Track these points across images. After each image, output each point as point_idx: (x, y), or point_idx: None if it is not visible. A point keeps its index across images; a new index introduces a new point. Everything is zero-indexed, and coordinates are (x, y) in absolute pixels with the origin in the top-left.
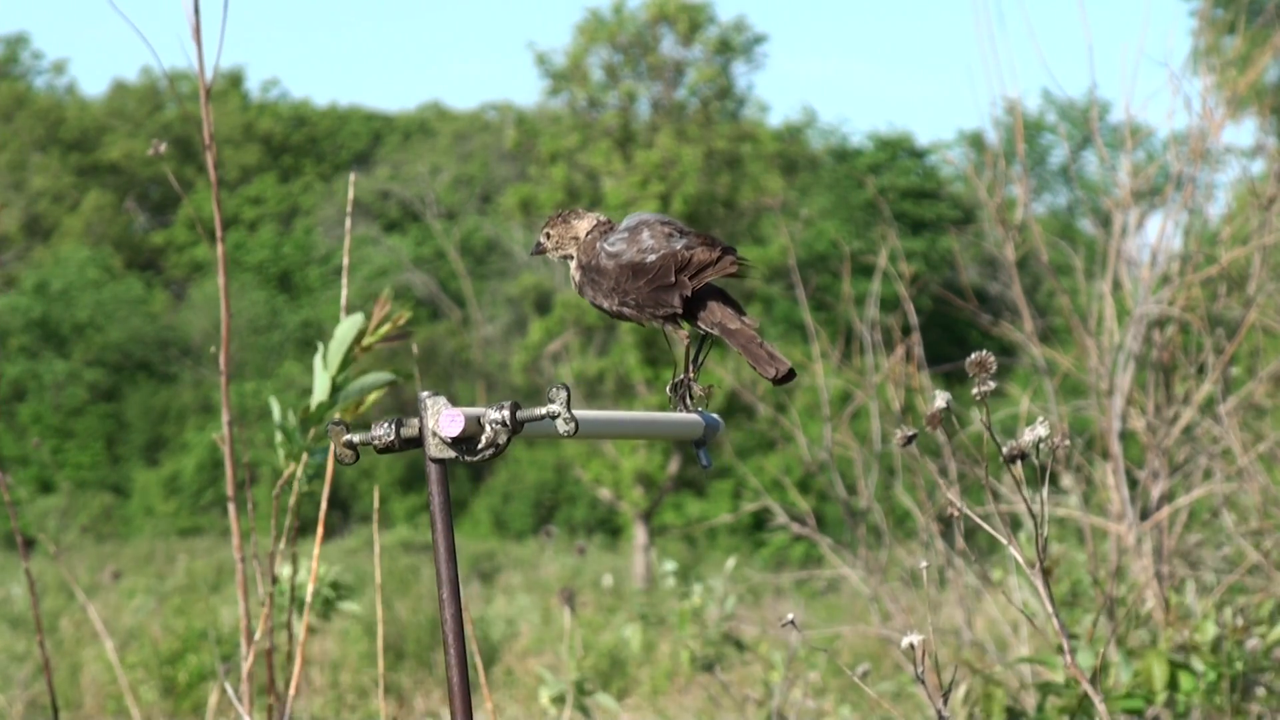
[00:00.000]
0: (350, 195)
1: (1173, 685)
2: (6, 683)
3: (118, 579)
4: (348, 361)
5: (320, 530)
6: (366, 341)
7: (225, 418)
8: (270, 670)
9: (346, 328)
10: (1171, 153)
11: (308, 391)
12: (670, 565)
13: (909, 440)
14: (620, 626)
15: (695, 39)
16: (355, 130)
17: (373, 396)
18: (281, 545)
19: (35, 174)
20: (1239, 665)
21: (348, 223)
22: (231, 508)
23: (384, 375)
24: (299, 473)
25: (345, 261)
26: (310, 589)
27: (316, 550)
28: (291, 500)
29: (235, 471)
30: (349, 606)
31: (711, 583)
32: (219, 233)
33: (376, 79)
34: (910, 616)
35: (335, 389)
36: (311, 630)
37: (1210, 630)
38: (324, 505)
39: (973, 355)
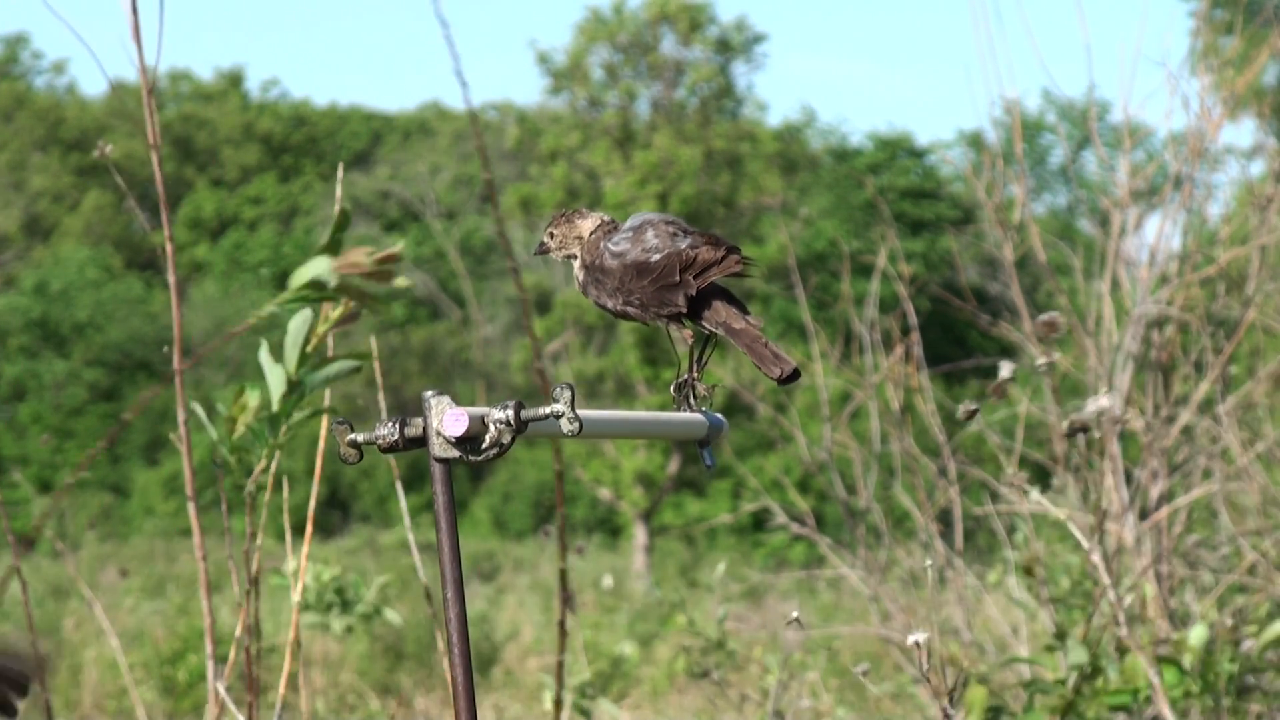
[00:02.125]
0: (339, 193)
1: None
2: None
3: (126, 576)
4: (305, 355)
5: (309, 530)
6: (321, 328)
7: (181, 417)
8: (250, 669)
9: (298, 322)
10: (1170, 152)
11: None
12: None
13: (971, 415)
14: (619, 628)
15: (695, 39)
16: (355, 130)
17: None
18: (258, 543)
19: (35, 174)
20: (1229, 667)
21: (337, 216)
22: (191, 507)
23: (348, 363)
24: (272, 468)
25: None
26: (298, 590)
27: (305, 549)
28: (266, 497)
29: (194, 471)
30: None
31: (708, 585)
32: (167, 231)
33: (376, 79)
34: (910, 616)
35: (295, 384)
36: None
37: (1200, 635)
38: (313, 502)
39: (1042, 315)
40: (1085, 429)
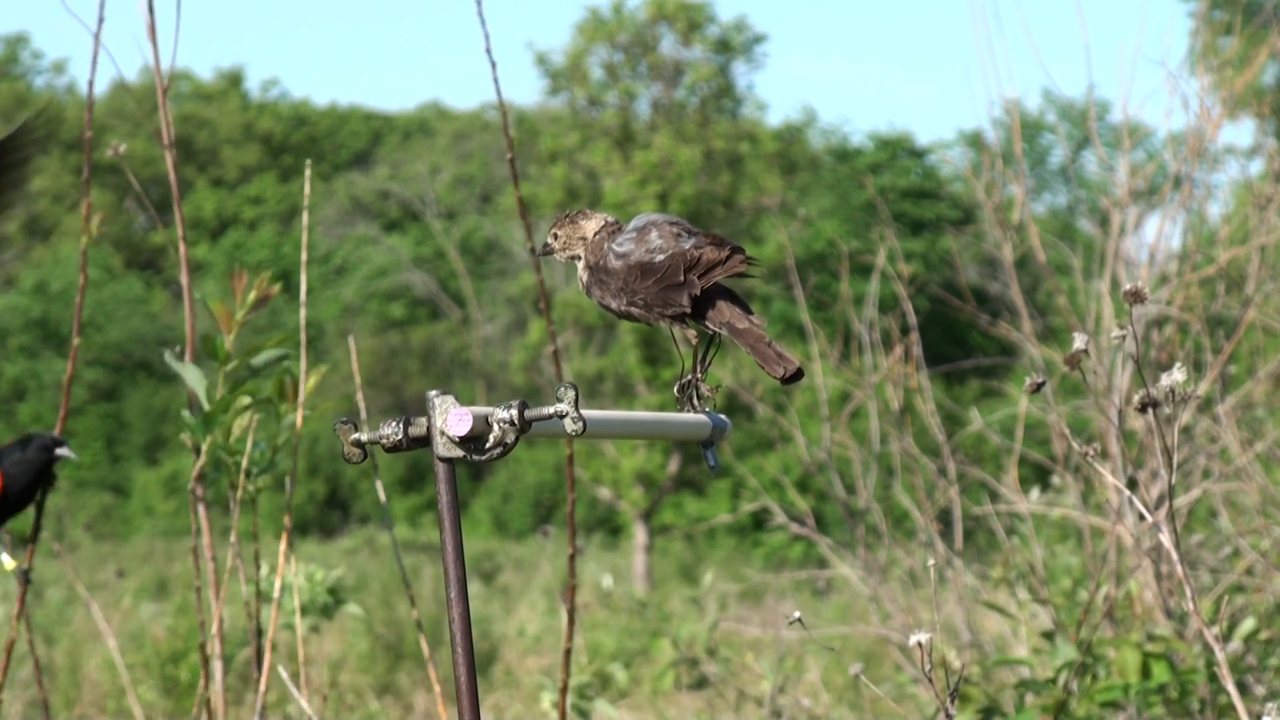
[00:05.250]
0: (306, 190)
1: (1146, 675)
2: (7, 683)
3: (122, 576)
4: (225, 354)
5: (286, 532)
6: (239, 316)
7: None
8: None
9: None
10: (1170, 152)
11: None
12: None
13: (1038, 388)
14: (612, 632)
15: (695, 38)
16: (355, 130)
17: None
18: (257, 545)
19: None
20: (1209, 667)
21: (304, 218)
22: (200, 507)
23: (275, 351)
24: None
25: (303, 257)
26: (277, 588)
27: (283, 548)
28: (238, 494)
29: (202, 469)
30: (352, 609)
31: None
32: (180, 231)
33: (376, 79)
34: (910, 616)
35: (229, 377)
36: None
37: (1168, 630)
38: (291, 505)
39: (1074, 345)
40: (1156, 404)
